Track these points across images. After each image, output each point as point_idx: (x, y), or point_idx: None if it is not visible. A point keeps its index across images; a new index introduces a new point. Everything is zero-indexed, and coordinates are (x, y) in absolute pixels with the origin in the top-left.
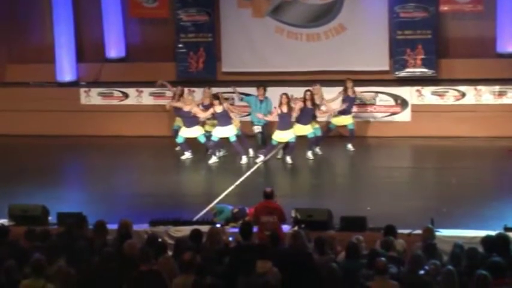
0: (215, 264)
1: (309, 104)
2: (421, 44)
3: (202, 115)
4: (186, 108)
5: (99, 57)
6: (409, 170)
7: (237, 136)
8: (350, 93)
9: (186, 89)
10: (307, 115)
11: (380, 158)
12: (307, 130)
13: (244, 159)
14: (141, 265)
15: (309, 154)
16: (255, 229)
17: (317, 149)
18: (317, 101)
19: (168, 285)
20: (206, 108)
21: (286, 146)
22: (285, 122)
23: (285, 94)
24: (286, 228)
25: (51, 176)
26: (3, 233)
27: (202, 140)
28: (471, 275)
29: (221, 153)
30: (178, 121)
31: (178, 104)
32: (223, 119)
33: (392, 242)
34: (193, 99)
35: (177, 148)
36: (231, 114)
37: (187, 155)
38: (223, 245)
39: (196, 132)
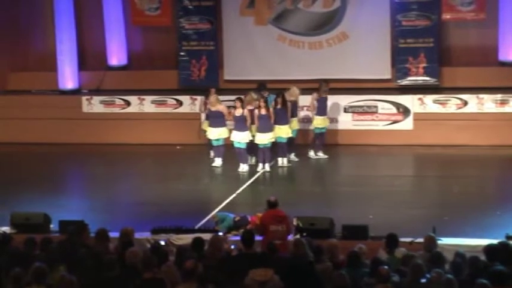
0: (217, 272)
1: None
2: (423, 52)
3: (229, 117)
4: (214, 108)
5: (101, 65)
6: (411, 178)
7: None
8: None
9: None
10: (280, 116)
11: (382, 166)
12: (285, 132)
13: (244, 168)
14: (144, 273)
15: (312, 154)
16: (258, 238)
17: (320, 153)
18: (292, 99)
19: None
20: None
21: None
22: (264, 125)
23: (239, 98)
24: (288, 236)
25: (53, 183)
26: (6, 241)
27: (220, 143)
28: (473, 284)
29: (253, 161)
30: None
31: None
32: (240, 124)
33: (412, 257)
34: (218, 99)
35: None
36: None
37: (217, 161)
38: (225, 253)
39: (221, 133)
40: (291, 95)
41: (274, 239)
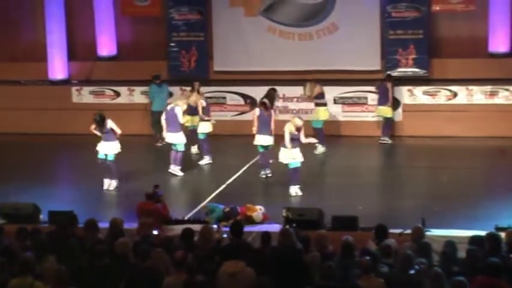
0: (207, 263)
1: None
2: (413, 44)
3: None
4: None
5: (90, 56)
6: (400, 169)
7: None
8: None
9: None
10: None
11: (371, 158)
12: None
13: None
14: (137, 264)
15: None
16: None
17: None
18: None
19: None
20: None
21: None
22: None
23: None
24: (276, 227)
25: (42, 174)
26: None
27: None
28: (470, 276)
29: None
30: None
31: None
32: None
33: (391, 250)
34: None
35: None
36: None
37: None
38: (216, 243)
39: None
40: (310, 91)
41: (141, 230)
